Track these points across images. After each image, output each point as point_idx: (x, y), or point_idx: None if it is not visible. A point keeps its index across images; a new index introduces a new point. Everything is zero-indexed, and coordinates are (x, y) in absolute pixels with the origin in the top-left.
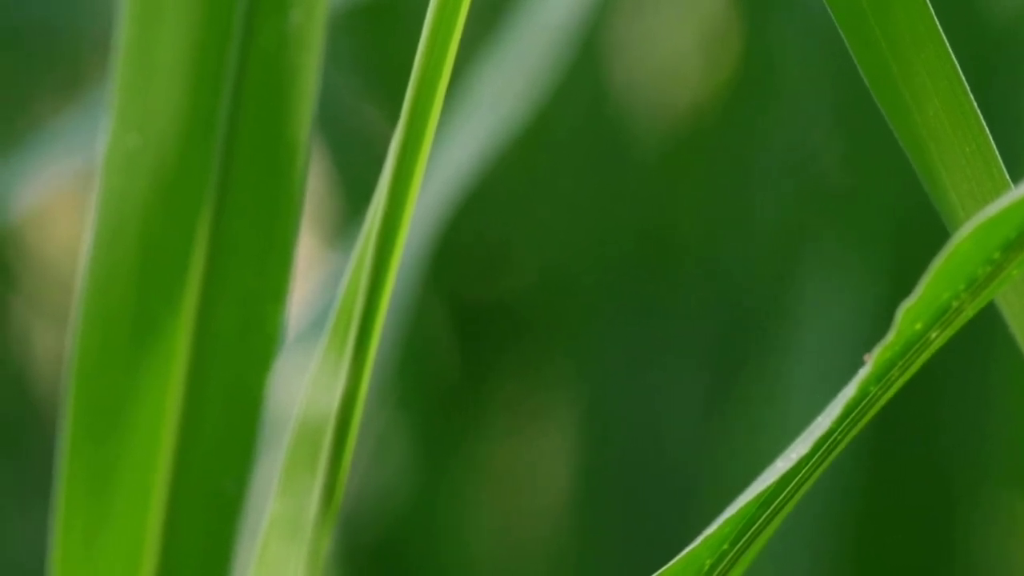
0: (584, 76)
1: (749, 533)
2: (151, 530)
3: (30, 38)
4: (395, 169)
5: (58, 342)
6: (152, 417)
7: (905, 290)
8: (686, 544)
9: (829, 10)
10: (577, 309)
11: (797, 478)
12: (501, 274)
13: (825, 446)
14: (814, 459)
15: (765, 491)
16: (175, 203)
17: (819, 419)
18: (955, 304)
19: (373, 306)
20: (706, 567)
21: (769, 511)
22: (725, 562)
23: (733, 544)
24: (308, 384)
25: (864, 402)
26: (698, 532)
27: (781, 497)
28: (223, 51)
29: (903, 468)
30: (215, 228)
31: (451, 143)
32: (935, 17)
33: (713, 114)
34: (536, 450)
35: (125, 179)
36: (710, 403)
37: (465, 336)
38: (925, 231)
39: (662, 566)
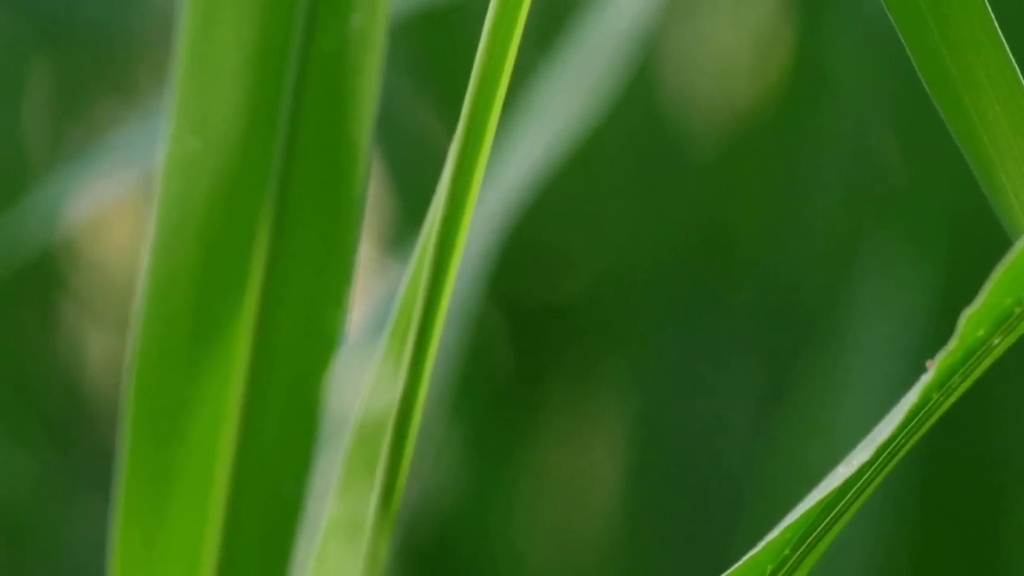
0: (639, 79)
1: (811, 539)
2: (210, 531)
3: (81, 39)
4: (454, 173)
5: (110, 345)
6: (212, 419)
7: (961, 291)
8: (736, 548)
9: (888, 13)
10: (631, 312)
11: (858, 484)
12: (556, 277)
13: (886, 452)
14: (875, 465)
15: (827, 497)
16: (235, 206)
17: (880, 425)
18: (1018, 310)
19: (432, 310)
20: (767, 572)
21: (830, 517)
22: (786, 567)
23: (795, 549)
24: (367, 387)
25: (926, 408)
26: (749, 536)
27: (843, 503)
28: (284, 54)
29: (957, 473)
30: (275, 231)
31: (514, 148)
32: (994, 19)
33: (767, 115)
34: (589, 452)
35: (185, 183)
36: (763, 406)
37: (520, 339)
38: (981, 232)
39: (712, 570)
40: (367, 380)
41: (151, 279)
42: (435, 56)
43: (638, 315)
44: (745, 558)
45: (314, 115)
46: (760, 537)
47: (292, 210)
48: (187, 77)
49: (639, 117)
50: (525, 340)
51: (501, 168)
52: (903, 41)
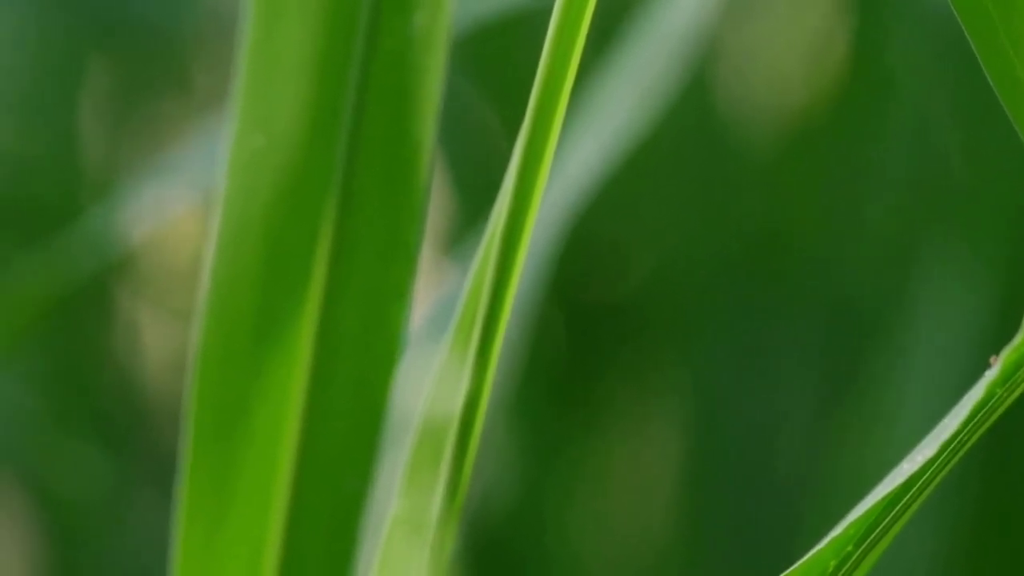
0: (696, 77)
1: (874, 535)
2: (273, 529)
3: (135, 39)
4: (520, 171)
5: (167, 343)
6: (275, 416)
7: (1022, 289)
8: (794, 548)
9: (954, 10)
10: (689, 311)
11: (922, 480)
12: (613, 276)
13: (950, 448)
14: (939, 461)
15: (891, 493)
16: (299, 203)
17: (945, 420)
18: None
19: (497, 307)
20: (830, 568)
21: (894, 513)
22: (849, 564)
23: (858, 546)
24: (432, 384)
25: (990, 404)
26: (807, 536)
27: (906, 499)
28: (347, 52)
29: (1016, 470)
30: (339, 227)
31: (573, 147)
32: None
33: (825, 113)
34: (647, 450)
35: (249, 179)
36: (821, 405)
37: (577, 337)
38: None
39: (769, 569)
40: (431, 377)
41: (214, 276)
42: (492, 55)
43: (696, 314)
44: (809, 555)
45: (377, 113)
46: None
47: (355, 207)
48: (251, 75)
49: (696, 116)
50: (582, 338)
51: (561, 166)
52: (969, 38)
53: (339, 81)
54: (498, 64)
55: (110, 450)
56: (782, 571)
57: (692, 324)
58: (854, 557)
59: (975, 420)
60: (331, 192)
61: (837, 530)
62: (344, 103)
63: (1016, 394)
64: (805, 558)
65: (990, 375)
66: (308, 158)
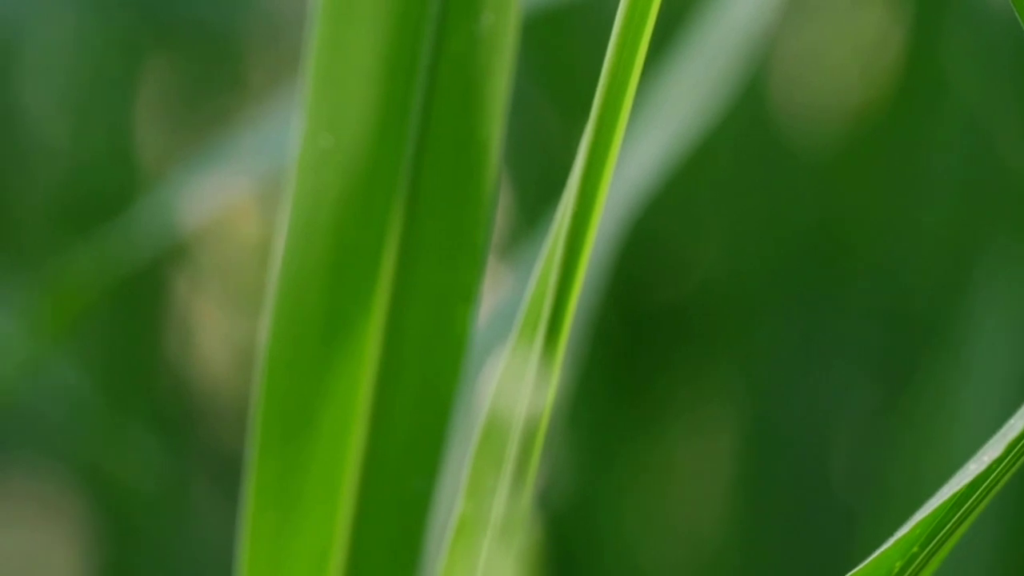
0: (753, 79)
1: (939, 536)
2: (340, 528)
3: (191, 39)
4: (584, 172)
5: (222, 330)
6: (342, 415)
7: None
8: (848, 549)
9: (1015, 12)
10: (744, 313)
11: (988, 481)
12: (669, 278)
13: (1017, 448)
14: (1005, 461)
15: (957, 494)
16: (367, 203)
17: (1012, 421)
18: None
19: (561, 308)
20: (896, 569)
21: (960, 514)
22: (915, 564)
23: (923, 547)
24: (496, 384)
25: None
26: (861, 536)
27: (972, 500)
28: (415, 52)
29: None
30: (406, 228)
31: (633, 148)
32: None
33: (882, 115)
34: (701, 452)
35: (317, 180)
36: (878, 406)
37: (632, 340)
38: None
39: (823, 570)
40: (495, 377)
41: (282, 276)
42: (547, 50)
43: (751, 316)
44: (874, 555)
45: (445, 113)
46: (873, 538)
47: (423, 207)
48: (319, 75)
49: (753, 118)
50: (639, 338)
51: (622, 167)
52: None
53: (407, 82)
54: (552, 60)
55: (165, 441)
56: (836, 572)
57: (749, 325)
58: (920, 558)
59: None
60: (398, 193)
61: (903, 530)
62: (411, 104)
63: None
64: (871, 558)
65: None
66: (376, 159)
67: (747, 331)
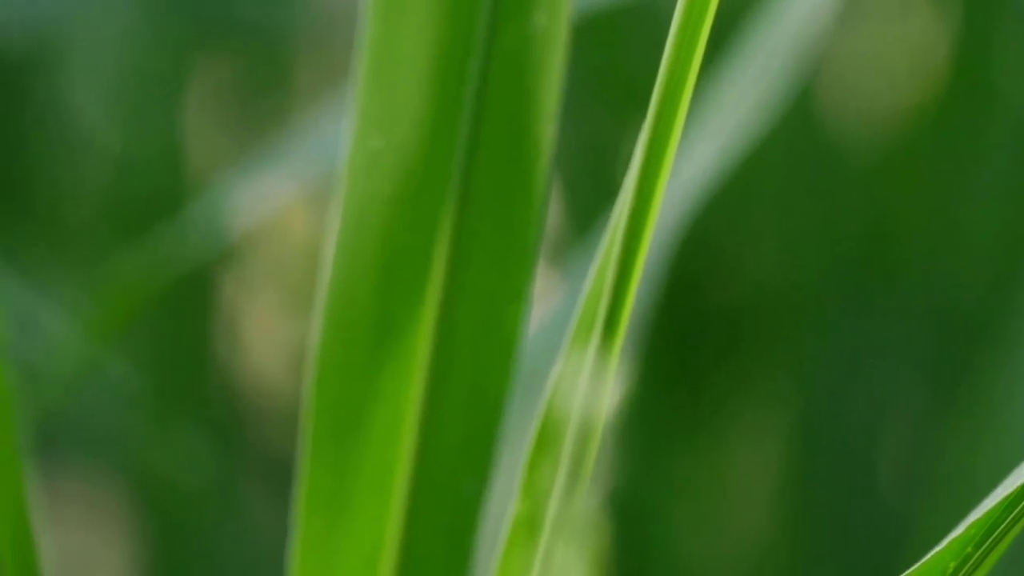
0: (802, 82)
1: (993, 536)
2: (391, 530)
3: (237, 37)
4: (640, 173)
5: (269, 330)
6: (393, 416)
7: None
8: (898, 551)
9: None
10: (796, 314)
11: None
12: (716, 280)
13: None
14: None
15: (1011, 495)
16: (417, 204)
17: None
18: None
19: (617, 310)
20: (950, 569)
21: (1014, 514)
22: (968, 565)
23: (977, 547)
24: (551, 384)
25: None
26: (911, 539)
27: None
28: (467, 53)
29: None
30: (457, 229)
31: (688, 150)
32: None
33: (930, 118)
34: (751, 453)
35: (368, 180)
36: (928, 409)
37: (684, 343)
38: None
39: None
40: (550, 378)
41: (333, 277)
42: (598, 56)
43: (803, 317)
44: (928, 556)
45: (496, 114)
46: (924, 540)
47: (474, 208)
48: (370, 76)
49: (802, 121)
50: (690, 343)
51: (677, 169)
52: None
53: (458, 82)
54: (602, 61)
55: (214, 443)
56: (886, 574)
57: (799, 327)
58: (974, 558)
59: None
60: (449, 194)
61: (957, 531)
62: (463, 104)
63: None
64: (925, 559)
65: None
66: (427, 160)
67: (798, 333)
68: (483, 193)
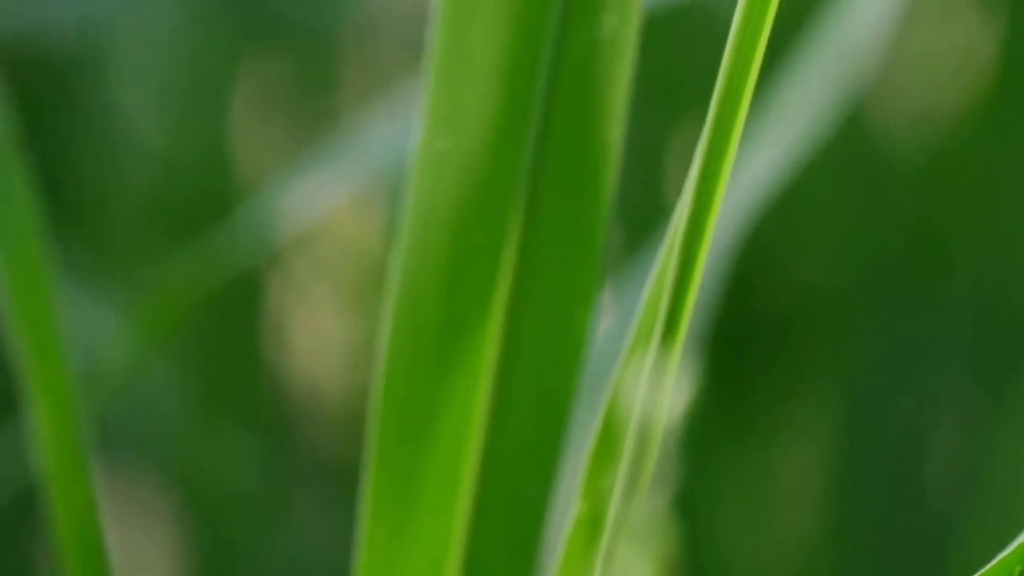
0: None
1: None
2: (457, 531)
3: (284, 37)
4: (699, 180)
5: (317, 333)
6: (460, 419)
7: None
8: (944, 555)
9: None
10: (841, 319)
11: None
12: (768, 285)
13: None
14: None
15: None
16: (485, 205)
17: None
18: None
19: (677, 315)
20: (1016, 573)
21: None
22: None
23: None
24: (611, 388)
25: None
26: (957, 543)
27: None
28: (536, 54)
29: None
30: (525, 231)
31: (748, 156)
32: None
33: (977, 118)
34: (795, 458)
35: (436, 182)
36: (975, 412)
37: (729, 345)
38: None
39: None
40: (611, 381)
41: (400, 278)
42: (655, 59)
43: (848, 321)
44: (994, 561)
45: (565, 116)
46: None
47: (542, 210)
48: (439, 77)
49: (848, 122)
50: (738, 346)
51: (735, 176)
52: None
53: (527, 84)
54: (654, 63)
55: (262, 445)
56: None
57: (848, 329)
58: None
59: None
60: (517, 195)
61: (1009, 549)
62: (531, 106)
63: None
64: (991, 564)
65: None
66: (495, 161)
67: (846, 335)
68: (551, 195)
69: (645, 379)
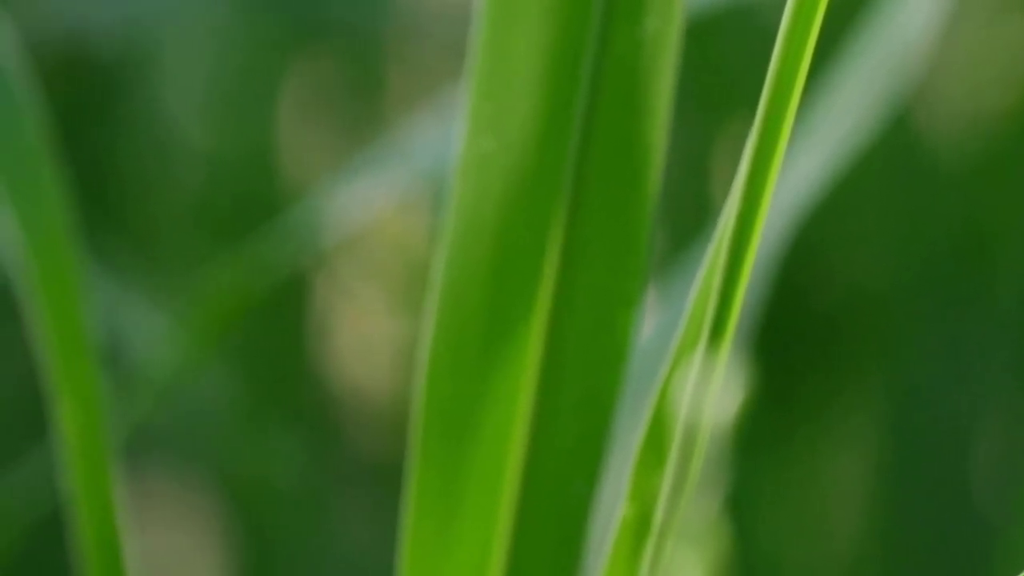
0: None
1: None
2: (500, 530)
3: (331, 38)
4: (747, 181)
5: (362, 335)
6: (503, 420)
7: None
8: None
9: None
10: (889, 321)
11: None
12: (815, 286)
13: None
14: None
15: None
16: (529, 205)
17: None
18: None
19: (725, 314)
20: None
21: None
22: None
23: None
24: (658, 388)
25: None
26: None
27: None
28: (579, 55)
29: None
30: (569, 231)
31: (795, 157)
32: None
33: (1022, 117)
34: (843, 458)
35: (479, 181)
36: (1022, 416)
37: (776, 346)
38: None
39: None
40: (658, 381)
41: (444, 279)
42: (696, 62)
43: (896, 322)
44: None
45: (608, 116)
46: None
47: (585, 210)
48: (482, 77)
49: (895, 123)
50: (781, 345)
51: (783, 177)
52: None
53: (570, 85)
54: (698, 65)
55: (306, 445)
56: None
57: (895, 331)
58: None
59: None
60: (561, 196)
61: None
62: (575, 107)
63: None
64: None
65: None
66: (539, 162)
67: (893, 337)
68: (595, 195)
69: (693, 380)
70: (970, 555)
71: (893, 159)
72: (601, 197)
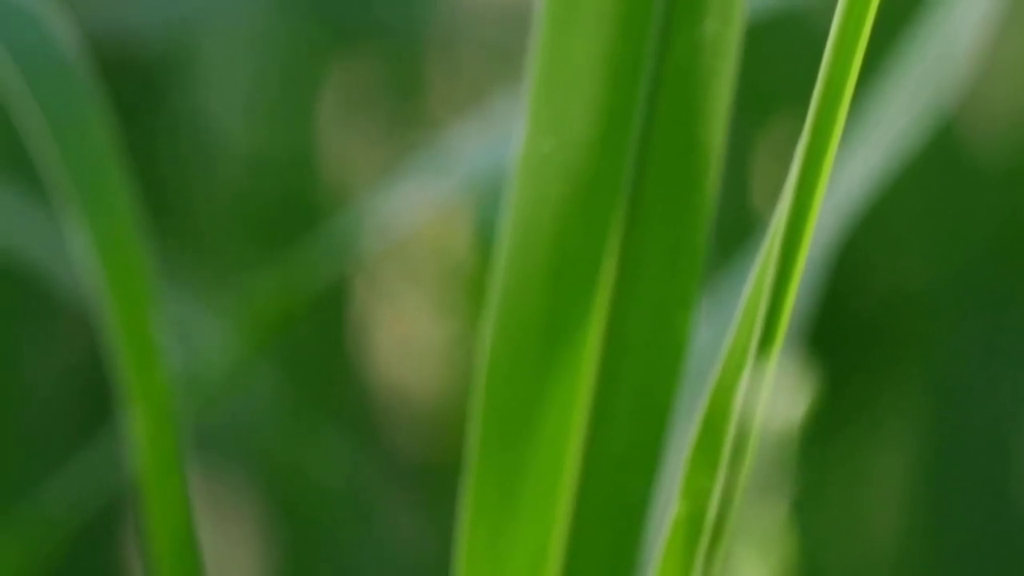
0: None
1: None
2: (557, 533)
3: (372, 40)
4: (797, 187)
5: (405, 338)
6: (561, 420)
7: None
8: None
9: None
10: (929, 323)
11: None
12: (852, 288)
13: None
14: None
15: None
16: (588, 207)
17: None
18: None
19: (776, 317)
20: None
21: None
22: None
23: None
24: (710, 388)
25: None
26: None
27: None
28: (639, 57)
29: None
30: (627, 233)
31: (845, 163)
32: None
33: None
34: (885, 461)
35: (539, 182)
36: None
37: (818, 348)
38: None
39: None
40: (711, 383)
41: (503, 280)
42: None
43: (936, 325)
44: None
45: (668, 119)
46: None
47: (644, 212)
48: (542, 79)
49: (936, 126)
50: (823, 347)
51: (833, 183)
52: None
53: (630, 86)
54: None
55: (348, 446)
56: None
57: (935, 333)
58: None
59: None
60: (620, 197)
61: None
62: (634, 109)
63: None
64: None
65: None
66: (598, 163)
67: (933, 339)
68: (653, 197)
69: (745, 382)
70: (1011, 554)
71: (933, 161)
72: (660, 198)
